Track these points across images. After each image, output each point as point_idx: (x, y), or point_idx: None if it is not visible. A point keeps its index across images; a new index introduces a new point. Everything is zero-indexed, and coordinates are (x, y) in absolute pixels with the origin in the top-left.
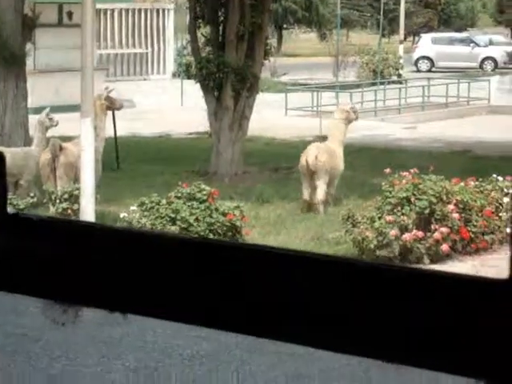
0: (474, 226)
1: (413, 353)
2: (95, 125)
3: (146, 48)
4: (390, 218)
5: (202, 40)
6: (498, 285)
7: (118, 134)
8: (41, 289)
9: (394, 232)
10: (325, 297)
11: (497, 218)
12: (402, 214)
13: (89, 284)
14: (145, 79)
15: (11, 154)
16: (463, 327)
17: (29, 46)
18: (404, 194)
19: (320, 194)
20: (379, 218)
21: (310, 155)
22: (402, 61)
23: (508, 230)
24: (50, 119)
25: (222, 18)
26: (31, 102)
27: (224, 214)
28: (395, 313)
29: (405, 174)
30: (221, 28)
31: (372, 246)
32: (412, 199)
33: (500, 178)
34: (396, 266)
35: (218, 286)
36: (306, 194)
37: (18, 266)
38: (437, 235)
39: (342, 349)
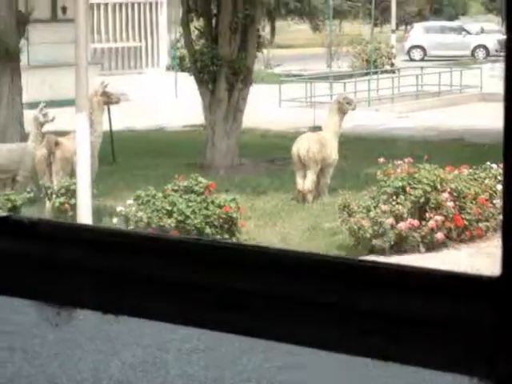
0: (469, 214)
1: (405, 350)
2: (92, 120)
3: (140, 41)
4: (385, 207)
5: (195, 33)
6: (490, 282)
7: (114, 128)
8: (33, 291)
9: (389, 221)
10: (319, 296)
11: (491, 205)
12: (397, 203)
13: (81, 286)
14: (139, 73)
15: (7, 149)
16: (456, 324)
17: (23, 41)
18: (399, 184)
19: (308, 183)
20: (375, 208)
21: (301, 145)
22: (394, 50)
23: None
24: (45, 115)
25: (214, 11)
26: (26, 98)
27: (220, 207)
28: (388, 310)
29: (399, 163)
30: (214, 21)
31: (368, 235)
32: (407, 188)
33: (494, 166)
34: (386, 263)
35: (212, 286)
36: (300, 184)
37: (10, 269)
38: (432, 223)
39: (338, 348)
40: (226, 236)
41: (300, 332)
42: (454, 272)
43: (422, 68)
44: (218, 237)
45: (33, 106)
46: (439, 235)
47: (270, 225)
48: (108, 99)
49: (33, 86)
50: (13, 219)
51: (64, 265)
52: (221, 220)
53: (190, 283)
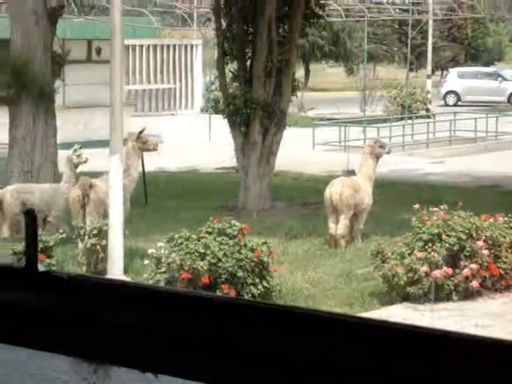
0: (504, 263)
1: None
2: (128, 164)
3: (174, 83)
4: (420, 254)
5: (229, 75)
6: None
7: (146, 169)
8: (71, 347)
9: (424, 268)
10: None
11: None
12: (433, 251)
13: (120, 343)
14: (173, 114)
15: (40, 190)
16: None
17: (58, 82)
18: (435, 231)
19: (340, 228)
20: (409, 255)
21: (334, 190)
22: (429, 95)
23: None
24: (78, 156)
25: (249, 54)
26: (60, 138)
27: (252, 250)
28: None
29: (434, 209)
30: (248, 64)
31: (402, 282)
32: (443, 236)
33: None
34: (417, 326)
35: (247, 348)
36: (332, 229)
37: (48, 324)
38: (466, 272)
39: None
40: (257, 280)
41: None
42: (499, 339)
43: (455, 113)
44: (250, 281)
45: (67, 146)
46: (474, 284)
47: (302, 270)
48: (143, 145)
49: (67, 126)
50: (51, 274)
51: (102, 321)
52: (252, 264)
53: (227, 342)
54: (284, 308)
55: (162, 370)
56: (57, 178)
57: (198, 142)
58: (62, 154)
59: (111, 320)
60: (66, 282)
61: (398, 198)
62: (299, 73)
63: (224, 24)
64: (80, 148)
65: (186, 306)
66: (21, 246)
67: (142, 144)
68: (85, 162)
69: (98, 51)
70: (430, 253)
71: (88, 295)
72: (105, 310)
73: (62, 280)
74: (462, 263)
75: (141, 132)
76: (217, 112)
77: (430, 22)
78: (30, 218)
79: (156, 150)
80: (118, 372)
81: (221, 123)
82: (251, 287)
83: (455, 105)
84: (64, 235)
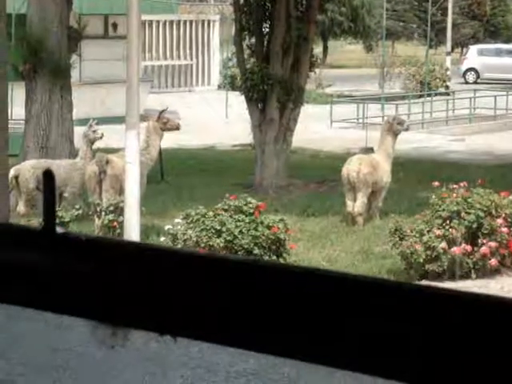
0: None
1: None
2: (148, 143)
3: (191, 59)
4: (439, 231)
5: (247, 51)
6: None
7: (163, 145)
8: (89, 310)
9: (443, 245)
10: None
11: None
12: (451, 228)
13: (138, 306)
14: (190, 91)
15: (56, 165)
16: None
17: (74, 57)
18: (455, 208)
19: (358, 206)
20: (428, 232)
21: (352, 167)
22: (449, 72)
23: None
24: (94, 131)
25: (267, 30)
26: (77, 114)
27: (269, 227)
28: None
29: (454, 187)
30: (266, 39)
31: (421, 259)
32: (462, 213)
33: None
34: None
35: (265, 309)
36: (350, 207)
37: (67, 287)
38: (485, 249)
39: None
40: (274, 257)
41: (358, 358)
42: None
43: (475, 91)
44: (266, 258)
45: (83, 122)
46: (492, 261)
47: (319, 247)
48: (165, 125)
49: (84, 102)
50: (70, 237)
51: (120, 284)
52: (269, 241)
53: (240, 306)
54: (304, 270)
55: (180, 332)
56: (73, 153)
57: (215, 118)
58: (79, 130)
59: (129, 282)
60: (84, 244)
61: (417, 175)
62: (317, 49)
63: None
64: (96, 124)
65: (203, 268)
66: (36, 222)
67: (164, 124)
68: (100, 137)
69: (115, 27)
70: (448, 230)
71: (106, 257)
72: (123, 272)
73: (80, 242)
74: (480, 241)
75: (162, 112)
76: (234, 89)
77: None
78: (48, 179)
79: (178, 129)
80: (136, 335)
81: (238, 100)
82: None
83: (475, 82)
84: (80, 211)
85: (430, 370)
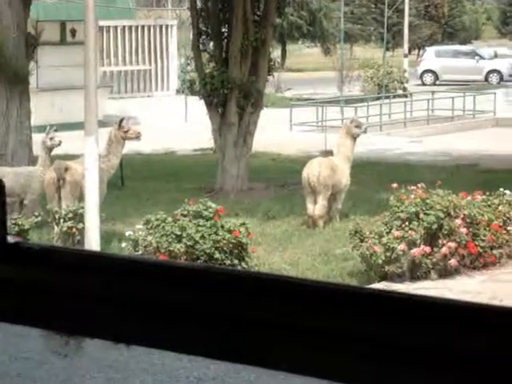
0: (482, 241)
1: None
2: (109, 151)
3: (150, 65)
4: (398, 233)
5: (206, 56)
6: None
7: (123, 151)
8: (42, 319)
9: (402, 247)
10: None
11: (505, 232)
12: (410, 229)
13: (91, 314)
14: (149, 96)
15: (15, 173)
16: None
17: (31, 64)
18: (413, 209)
19: (319, 208)
20: (387, 233)
21: (311, 170)
22: (406, 74)
23: None
24: (52, 139)
25: (225, 34)
26: (35, 121)
27: (230, 232)
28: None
29: (412, 188)
30: (224, 44)
31: (380, 261)
32: (420, 214)
33: (507, 192)
34: (406, 294)
35: (221, 315)
36: (310, 209)
37: (19, 297)
38: (444, 250)
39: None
40: (236, 261)
41: (315, 363)
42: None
43: (433, 92)
44: (228, 262)
45: (42, 129)
46: (452, 262)
47: (281, 250)
48: (126, 134)
49: (42, 109)
50: (22, 246)
51: (73, 293)
52: (230, 245)
53: (200, 312)
54: (258, 275)
55: (134, 340)
56: (32, 160)
57: (175, 123)
58: (37, 137)
59: (83, 291)
60: (36, 253)
61: (376, 177)
62: (276, 53)
63: (199, 3)
64: (55, 130)
65: (159, 275)
66: None
67: (124, 133)
68: (58, 144)
69: (73, 33)
70: (407, 231)
71: (59, 266)
72: (77, 281)
73: (32, 251)
74: (440, 241)
75: (122, 120)
76: (192, 93)
77: (407, 0)
78: None
79: (139, 139)
80: (90, 343)
81: (197, 104)
82: (233, 268)
83: (433, 84)
84: (39, 218)
85: (383, 373)
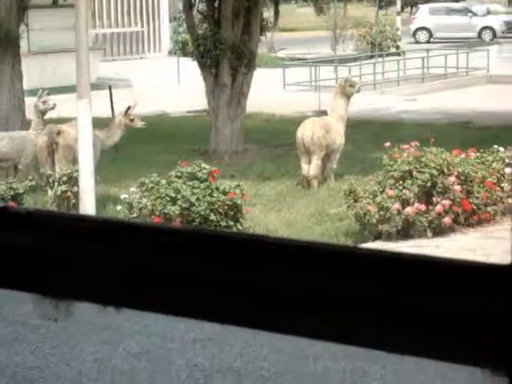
0: (476, 198)
1: (410, 341)
2: (108, 135)
3: (142, 26)
4: (391, 192)
5: (198, 17)
6: (501, 270)
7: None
8: (31, 283)
9: (396, 206)
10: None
11: (499, 188)
12: (404, 188)
13: (80, 278)
14: (141, 58)
15: (9, 137)
16: (465, 314)
17: (22, 27)
18: (406, 168)
19: (313, 168)
20: (381, 193)
21: (305, 131)
22: (399, 32)
23: (510, 201)
24: (45, 102)
25: None
26: (27, 85)
27: (225, 193)
28: (394, 301)
29: (405, 147)
30: (216, 4)
31: (374, 220)
32: (414, 173)
33: (501, 149)
34: (388, 252)
35: (212, 276)
36: (304, 170)
37: (8, 261)
38: (439, 208)
39: (343, 339)
40: (231, 223)
41: (301, 324)
42: (463, 260)
43: (427, 50)
44: (223, 224)
45: (35, 92)
46: (446, 220)
47: (276, 211)
48: (130, 122)
49: (34, 72)
50: (9, 211)
51: (61, 257)
52: (225, 207)
53: (189, 274)
54: (250, 237)
55: (123, 303)
56: (25, 124)
57: (168, 85)
58: (29, 101)
59: (72, 254)
60: (24, 218)
61: (370, 136)
62: (269, 13)
63: None
64: (47, 94)
65: (148, 238)
66: None
67: (130, 121)
68: (52, 108)
69: None
70: (401, 190)
71: (48, 230)
72: (65, 245)
73: (20, 215)
74: (434, 200)
75: (129, 108)
76: (185, 54)
77: None
78: None
79: (138, 126)
80: (79, 307)
81: (189, 66)
82: (225, 230)
83: (427, 42)
84: (33, 182)
85: (381, 335)
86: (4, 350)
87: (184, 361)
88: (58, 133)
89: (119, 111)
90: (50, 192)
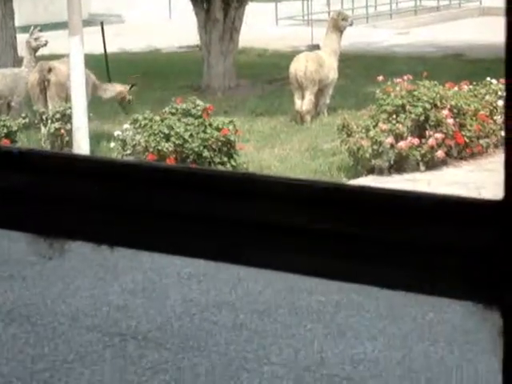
0: (469, 131)
1: (406, 276)
2: (105, 88)
3: None
4: (385, 126)
5: None
6: (494, 205)
7: (108, 50)
8: (25, 223)
9: (389, 140)
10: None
11: (491, 121)
12: (397, 122)
13: (74, 217)
14: None
15: (1, 75)
16: (459, 249)
17: None
18: (399, 102)
19: (306, 103)
20: (374, 127)
21: (298, 65)
22: None
23: (503, 133)
24: (36, 39)
25: None
26: (19, 21)
27: (218, 129)
28: (389, 235)
29: (398, 80)
30: None
31: (367, 155)
32: (407, 106)
33: (494, 81)
34: (382, 188)
35: (202, 214)
36: (298, 105)
37: (1, 200)
38: (431, 141)
39: (335, 275)
40: (225, 159)
41: (295, 259)
42: (456, 196)
43: None
44: (217, 160)
45: (27, 29)
46: (439, 153)
47: (269, 146)
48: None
49: (26, 9)
50: (2, 150)
51: (55, 196)
52: (219, 143)
53: (182, 213)
54: (241, 175)
55: (116, 242)
56: (18, 62)
57: (159, 20)
58: (21, 38)
59: (65, 193)
60: (16, 158)
61: (363, 70)
62: None
63: None
64: (39, 31)
65: (141, 177)
66: None
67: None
68: (44, 45)
69: None
70: (394, 124)
71: (40, 169)
72: (58, 183)
73: (12, 155)
74: (427, 133)
75: (132, 86)
76: None
77: None
78: None
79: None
80: (73, 245)
81: (181, 0)
82: (219, 166)
83: None
84: (27, 120)
85: (361, 270)
86: (0, 287)
87: (179, 296)
88: (49, 70)
89: (123, 87)
90: (43, 129)
